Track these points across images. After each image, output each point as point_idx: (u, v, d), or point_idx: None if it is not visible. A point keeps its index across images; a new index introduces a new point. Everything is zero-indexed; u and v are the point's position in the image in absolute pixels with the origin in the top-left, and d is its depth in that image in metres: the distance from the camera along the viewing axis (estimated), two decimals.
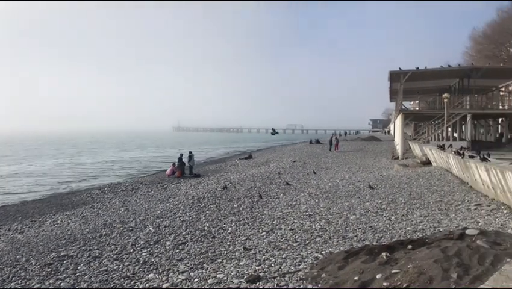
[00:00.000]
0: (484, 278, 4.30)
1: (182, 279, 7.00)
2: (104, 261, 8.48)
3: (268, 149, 59.84)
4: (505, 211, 9.92)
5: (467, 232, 6.40)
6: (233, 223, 11.25)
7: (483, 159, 12.95)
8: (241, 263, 7.61)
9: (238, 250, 8.61)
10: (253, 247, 8.66)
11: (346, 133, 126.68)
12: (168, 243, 9.56)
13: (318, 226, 10.05)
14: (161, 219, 12.31)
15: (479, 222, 9.14)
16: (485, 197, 11.94)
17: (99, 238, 10.48)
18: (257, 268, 7.18)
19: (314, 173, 23.60)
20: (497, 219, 9.28)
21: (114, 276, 7.49)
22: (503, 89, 45.58)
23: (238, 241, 9.34)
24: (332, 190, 15.94)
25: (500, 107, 40.59)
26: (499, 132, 47.08)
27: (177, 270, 7.55)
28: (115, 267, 8.00)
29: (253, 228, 10.55)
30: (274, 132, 55.09)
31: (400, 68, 34.50)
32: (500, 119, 45.29)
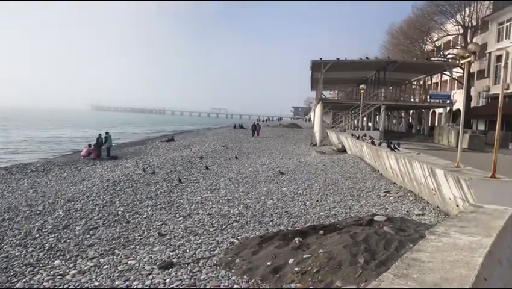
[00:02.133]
0: (389, 263, 4.51)
1: (91, 266, 6.68)
2: (5, 246, 7.85)
3: (192, 132, 59.14)
4: (411, 198, 10.57)
5: (376, 218, 6.71)
6: (149, 208, 10.95)
7: (393, 149, 13.69)
8: (154, 249, 7.42)
9: (153, 235, 8.39)
10: (169, 233, 8.48)
11: (268, 120, 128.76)
12: (78, 228, 9.08)
13: (236, 211, 10.07)
14: (72, 202, 11.65)
15: (387, 208, 9.65)
16: (393, 185, 12.65)
17: (0, 222, 9.69)
18: (171, 254, 7.03)
19: (236, 158, 23.66)
20: (403, 206, 9.85)
21: (15, 263, 6.96)
22: (415, 83, 48.65)
23: (154, 226, 9.11)
24: (252, 175, 16.08)
25: (412, 100, 43.33)
26: (409, 123, 50.34)
27: (87, 256, 7.19)
28: (17, 254, 7.43)
29: (170, 213, 10.34)
30: None
31: (321, 58, 35.47)
32: (411, 111, 48.39)
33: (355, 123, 41.83)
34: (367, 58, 38.65)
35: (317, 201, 10.96)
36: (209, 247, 7.26)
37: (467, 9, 43.20)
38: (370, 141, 17.49)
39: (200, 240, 7.74)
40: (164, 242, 7.83)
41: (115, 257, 7.08)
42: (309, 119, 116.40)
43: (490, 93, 39.34)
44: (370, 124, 47.66)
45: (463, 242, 3.43)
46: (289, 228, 8.06)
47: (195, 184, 14.60)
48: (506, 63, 36.06)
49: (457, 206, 7.97)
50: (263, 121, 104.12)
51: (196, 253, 6.99)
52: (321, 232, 6.55)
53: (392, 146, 14.29)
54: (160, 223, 9.36)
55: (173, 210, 10.64)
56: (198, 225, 8.93)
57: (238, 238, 7.75)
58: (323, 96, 43.41)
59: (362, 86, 33.29)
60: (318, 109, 42.45)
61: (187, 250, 7.16)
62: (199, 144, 34.63)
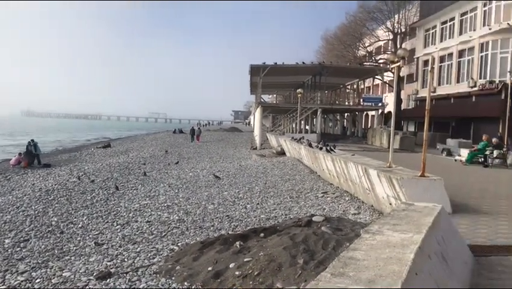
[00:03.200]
0: (327, 262, 4.62)
1: (22, 281, 6.31)
2: None
3: (129, 138, 57.53)
4: (347, 198, 10.91)
5: (314, 218, 6.86)
6: (85, 217, 10.54)
7: (330, 151, 14.09)
8: (91, 259, 7.13)
9: (89, 245, 8.08)
10: (106, 242, 8.20)
11: (208, 124, 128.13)
12: (7, 241, 8.57)
13: (176, 217, 9.91)
14: (1, 214, 10.97)
15: (325, 209, 9.90)
16: (331, 185, 13.00)
17: None
18: (109, 263, 6.79)
19: (177, 163, 23.35)
20: (340, 206, 10.15)
21: None
22: (349, 87, 50.42)
23: (90, 236, 8.77)
24: (193, 180, 15.92)
25: (346, 103, 44.86)
26: (344, 125, 52.06)
27: (17, 271, 6.78)
28: None
29: (107, 221, 10.01)
30: None
31: (264, 63, 35.91)
32: (346, 114, 50.07)
33: (294, 126, 42.64)
34: (303, 62, 39.60)
35: (258, 204, 11.04)
36: (149, 255, 7.09)
37: (396, 16, 45.48)
38: (307, 143, 17.89)
39: (139, 248, 7.54)
40: (101, 252, 7.56)
41: (48, 270, 6.73)
42: (249, 123, 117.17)
43: (418, 96, 41.54)
44: (307, 127, 48.80)
45: (396, 239, 3.58)
46: (230, 232, 8.04)
47: (133, 191, 14.23)
48: (432, 68, 38.27)
49: (390, 204, 8.33)
50: (203, 125, 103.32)
51: (135, 261, 6.80)
52: (262, 234, 6.60)
53: (328, 148, 14.69)
54: (97, 232, 9.03)
55: (110, 218, 10.31)
56: (137, 233, 8.70)
57: (179, 244, 7.63)
58: (262, 100, 43.90)
59: (299, 90, 34.00)
60: (257, 113, 42.87)
61: (126, 259, 6.95)
62: (137, 149, 33.80)
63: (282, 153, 25.08)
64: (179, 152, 30.97)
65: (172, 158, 26.16)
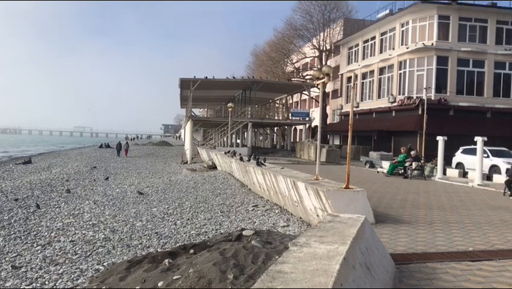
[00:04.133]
0: (257, 276, 4.66)
1: None
2: None
3: (52, 153, 54.64)
4: (276, 211, 11.08)
5: (244, 233, 6.88)
6: (1, 238, 9.81)
7: (260, 164, 14.26)
8: (7, 284, 6.66)
9: (6, 269, 7.52)
10: (25, 264, 7.68)
11: (136, 138, 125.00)
12: None
13: (102, 236, 9.52)
14: None
15: (255, 222, 9.98)
16: (261, 199, 13.14)
17: None
18: (27, 288, 6.37)
19: (107, 179, 22.52)
20: (270, 218, 10.28)
21: None
22: (278, 101, 51.55)
23: (6, 259, 8.17)
24: (120, 197, 15.42)
25: (276, 118, 45.80)
26: (274, 139, 53.03)
27: None
28: None
29: (27, 242, 9.39)
30: None
31: (195, 77, 35.89)
32: (275, 128, 51.06)
33: (225, 140, 42.77)
34: (233, 77, 40.02)
35: (188, 219, 10.89)
36: (72, 276, 6.74)
37: (322, 34, 47.37)
38: (238, 157, 18.00)
39: (61, 270, 7.15)
40: (18, 275, 7.07)
41: None
42: (180, 137, 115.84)
43: (343, 110, 43.41)
44: (238, 141, 49.14)
45: (322, 251, 3.69)
46: (159, 250, 7.86)
47: (56, 209, 13.50)
48: (355, 84, 40.22)
49: (317, 216, 8.57)
50: (132, 139, 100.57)
51: (57, 284, 6.44)
52: (192, 251, 6.50)
53: (258, 161, 14.87)
54: (14, 255, 8.43)
55: (30, 239, 9.68)
56: (59, 254, 8.24)
57: (105, 264, 7.33)
58: (193, 114, 43.65)
59: (230, 104, 34.26)
60: (188, 127, 42.50)
61: (46, 282, 6.56)
62: (60, 165, 32.18)
63: (213, 167, 25.02)
64: (105, 168, 29.90)
65: (98, 174, 25.19)
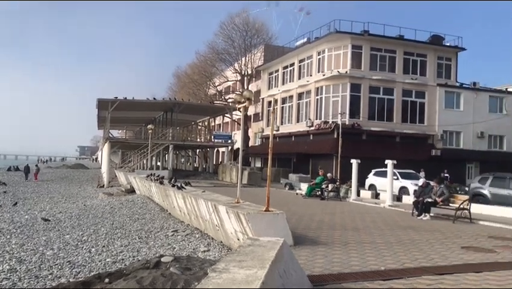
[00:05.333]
0: None
1: None
2: None
3: None
4: (197, 235, 10.91)
5: (163, 259, 6.68)
6: None
7: (180, 188, 14.05)
8: None
9: None
10: None
11: (49, 160, 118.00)
12: None
13: (7, 267, 8.76)
14: None
15: (175, 248, 9.74)
16: (181, 223, 12.89)
17: None
18: None
19: (15, 204, 20.90)
20: (190, 244, 10.09)
21: None
22: (200, 124, 51.41)
23: None
24: (29, 224, 14.39)
25: (198, 140, 45.55)
26: (196, 161, 52.63)
27: None
28: None
29: None
30: None
31: (116, 97, 34.77)
32: (197, 150, 50.72)
33: (144, 162, 41.66)
34: (154, 98, 39.37)
35: (104, 246, 10.38)
36: None
37: (243, 59, 48.33)
38: (158, 180, 17.59)
39: None
40: None
41: None
42: (97, 159, 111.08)
43: (264, 133, 44.23)
44: (159, 163, 48.08)
45: (241, 276, 3.67)
46: (71, 280, 7.39)
47: None
48: (275, 108, 41.35)
49: (238, 239, 8.56)
50: (44, 161, 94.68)
51: None
52: (107, 280, 6.18)
53: (179, 184, 14.64)
54: None
55: None
56: None
57: None
58: (110, 135, 42.13)
59: (150, 126, 33.57)
60: (106, 149, 40.92)
61: None
62: None
63: (131, 191, 24.20)
64: (13, 192, 27.80)
65: (5, 200, 23.33)
